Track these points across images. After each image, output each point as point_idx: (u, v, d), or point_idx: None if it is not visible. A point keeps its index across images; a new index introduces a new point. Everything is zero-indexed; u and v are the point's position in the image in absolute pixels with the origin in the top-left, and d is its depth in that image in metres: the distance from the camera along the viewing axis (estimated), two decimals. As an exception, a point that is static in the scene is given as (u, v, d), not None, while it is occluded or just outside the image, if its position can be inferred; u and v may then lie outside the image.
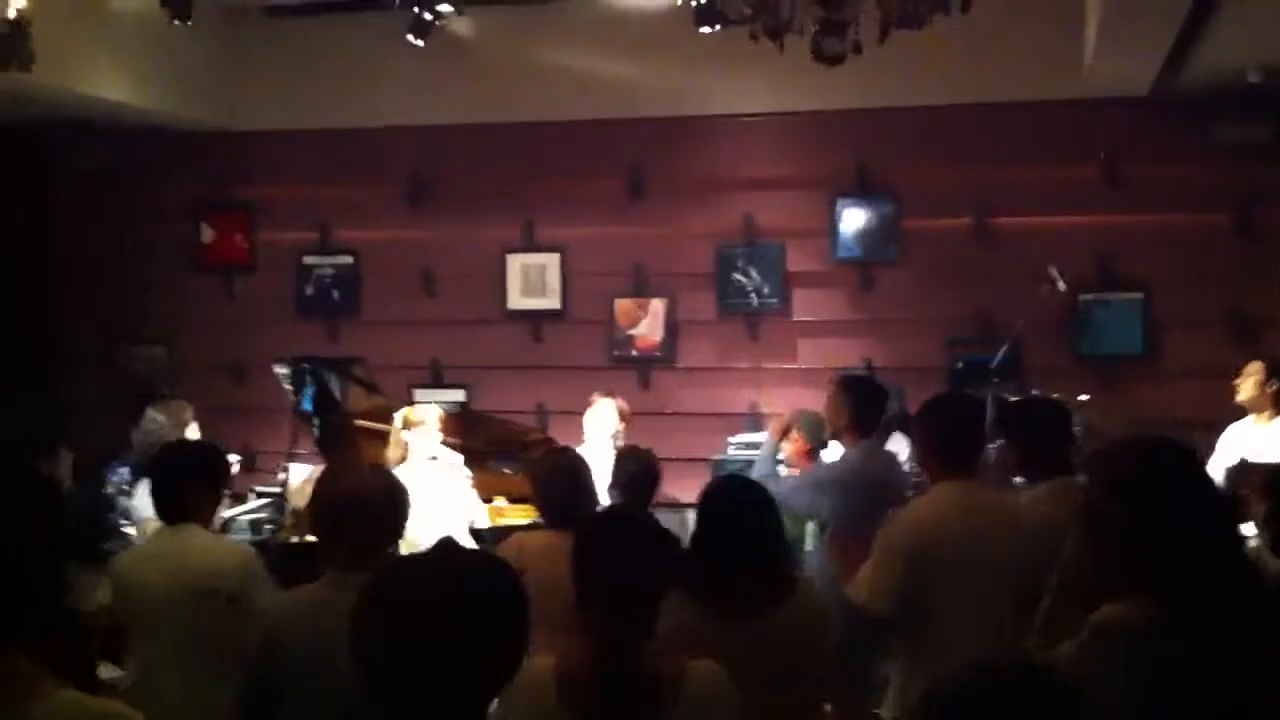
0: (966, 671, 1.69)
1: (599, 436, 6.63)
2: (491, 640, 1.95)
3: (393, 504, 3.52)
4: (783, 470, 6.03)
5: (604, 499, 4.86)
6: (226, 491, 4.68)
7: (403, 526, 3.55)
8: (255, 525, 6.49)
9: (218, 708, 3.59)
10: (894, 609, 3.83)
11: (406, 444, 6.03)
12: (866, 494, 5.16)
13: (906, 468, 6.43)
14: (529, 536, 4.47)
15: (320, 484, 3.69)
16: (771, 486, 5.37)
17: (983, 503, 3.94)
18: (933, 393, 4.65)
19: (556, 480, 4.45)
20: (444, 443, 6.21)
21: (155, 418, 6.20)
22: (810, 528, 6.19)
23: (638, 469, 4.91)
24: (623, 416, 6.81)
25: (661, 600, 2.77)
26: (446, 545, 2.03)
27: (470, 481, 6.25)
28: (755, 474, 5.50)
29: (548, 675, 2.68)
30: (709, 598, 3.38)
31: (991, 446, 5.13)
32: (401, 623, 1.91)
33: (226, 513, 6.71)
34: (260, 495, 6.94)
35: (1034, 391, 6.61)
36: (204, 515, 4.23)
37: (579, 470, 4.50)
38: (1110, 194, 7.72)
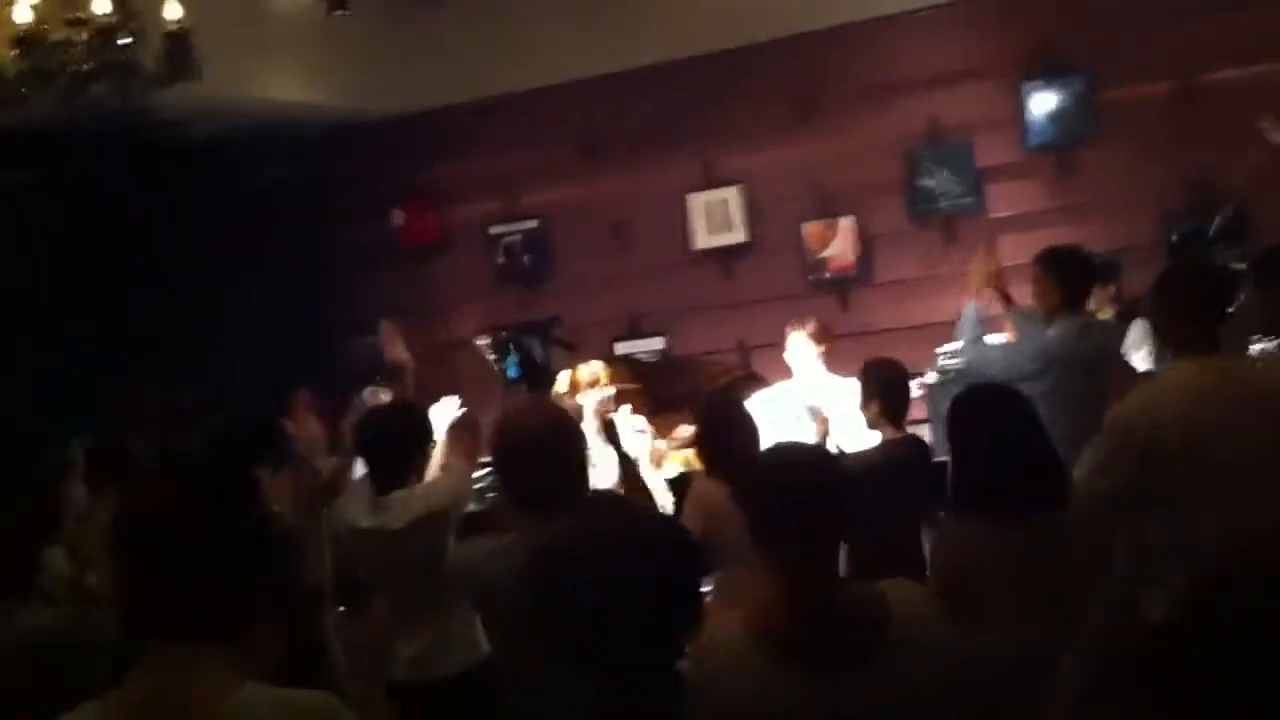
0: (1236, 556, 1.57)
1: (803, 368, 6.46)
2: (669, 586, 1.93)
3: (548, 443, 3.15)
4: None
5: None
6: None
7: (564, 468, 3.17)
8: (480, 494, 6.61)
9: None
10: (1129, 494, 3.61)
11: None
12: (1088, 372, 4.90)
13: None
14: (708, 484, 4.49)
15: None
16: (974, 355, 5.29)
17: (1233, 376, 3.67)
18: (1151, 273, 4.30)
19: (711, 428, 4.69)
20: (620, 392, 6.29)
21: (366, 400, 6.42)
22: None
23: (889, 374, 5.09)
24: (823, 337, 6.56)
25: (845, 536, 2.61)
26: (610, 499, 2.06)
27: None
28: (963, 341, 5.38)
29: (738, 626, 2.52)
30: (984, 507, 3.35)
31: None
32: (580, 574, 1.91)
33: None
34: (481, 465, 7.04)
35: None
36: (415, 475, 4.46)
37: (728, 414, 4.72)
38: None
